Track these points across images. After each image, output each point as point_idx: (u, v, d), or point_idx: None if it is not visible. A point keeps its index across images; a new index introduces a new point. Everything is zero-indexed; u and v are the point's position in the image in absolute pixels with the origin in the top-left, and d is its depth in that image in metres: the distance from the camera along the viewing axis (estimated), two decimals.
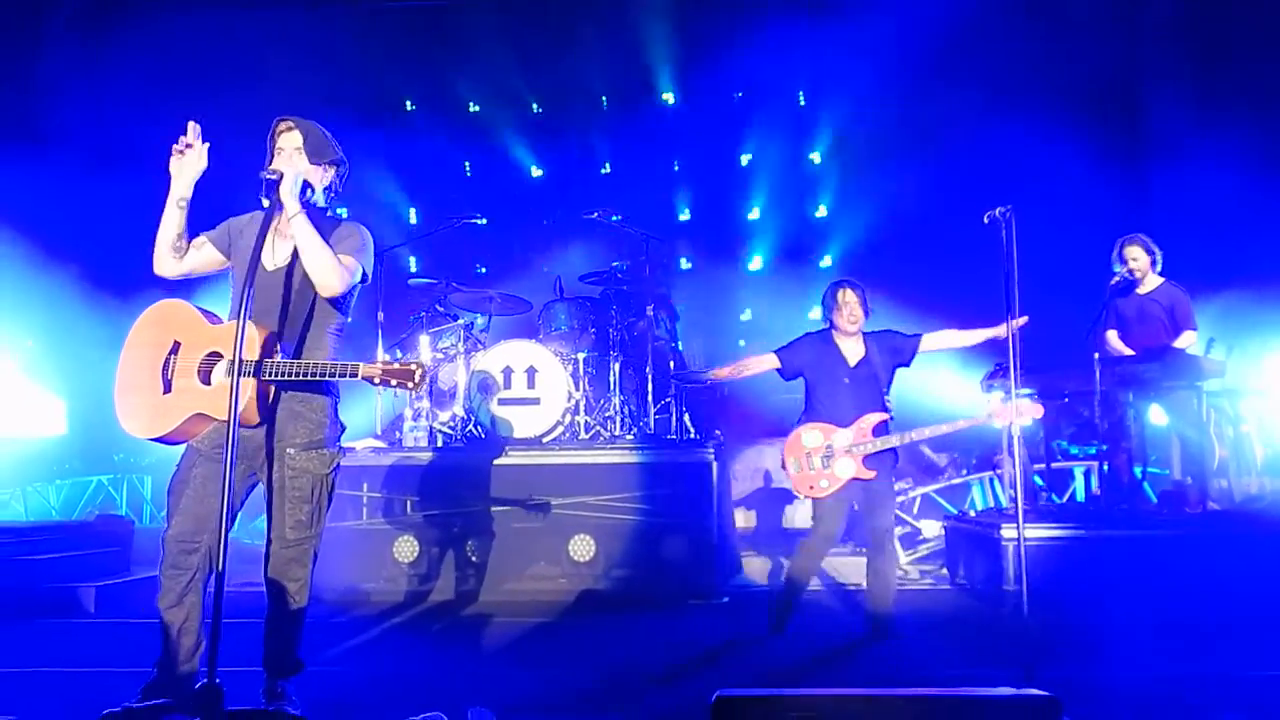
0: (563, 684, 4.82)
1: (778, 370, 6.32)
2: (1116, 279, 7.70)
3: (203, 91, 10.77)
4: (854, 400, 6.03)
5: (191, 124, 4.05)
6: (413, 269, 12.43)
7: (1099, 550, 6.72)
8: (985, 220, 5.05)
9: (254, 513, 8.41)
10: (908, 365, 6.23)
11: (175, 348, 3.99)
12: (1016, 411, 5.59)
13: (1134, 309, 7.74)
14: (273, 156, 4.16)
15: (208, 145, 4.05)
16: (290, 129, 4.19)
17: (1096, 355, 7.38)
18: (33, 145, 10.43)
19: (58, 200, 10.30)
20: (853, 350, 6.14)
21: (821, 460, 5.96)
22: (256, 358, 3.83)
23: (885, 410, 6.08)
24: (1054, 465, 8.86)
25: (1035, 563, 6.30)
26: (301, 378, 3.89)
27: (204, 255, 4.22)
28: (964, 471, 10.12)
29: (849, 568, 8.00)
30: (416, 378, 3.86)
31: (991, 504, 9.57)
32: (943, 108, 11.44)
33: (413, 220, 13.47)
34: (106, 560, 7.83)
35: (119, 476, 11.79)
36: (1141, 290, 7.71)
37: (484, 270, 13.41)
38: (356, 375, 3.89)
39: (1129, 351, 7.65)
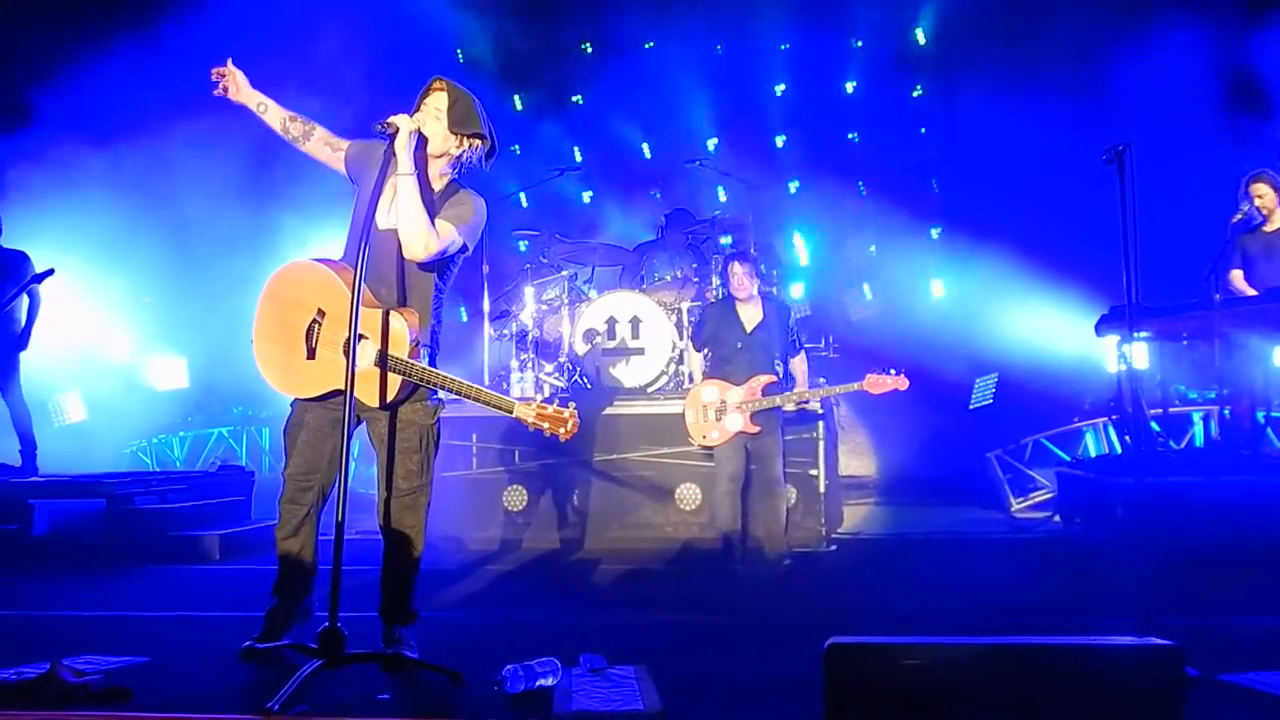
0: (673, 630, 4.86)
1: (699, 351, 7.32)
2: (1239, 216, 7.38)
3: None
4: (748, 362, 6.79)
5: (215, 68, 4.15)
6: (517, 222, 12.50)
7: (1219, 497, 6.50)
8: (1104, 159, 4.89)
9: (364, 461, 8.65)
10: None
11: (321, 315, 3.96)
12: (886, 383, 6.51)
13: (1260, 246, 7.42)
14: (416, 112, 4.03)
15: (230, 59, 4.09)
16: (440, 90, 4.06)
17: (1217, 296, 7.12)
18: (152, 116, 10.61)
19: (179, 160, 10.50)
20: (750, 316, 6.90)
21: (714, 414, 6.74)
22: (405, 355, 3.81)
23: (775, 373, 6.82)
24: (1171, 410, 8.60)
25: (1152, 510, 6.15)
26: (447, 390, 3.88)
27: (327, 155, 4.20)
28: (1076, 418, 9.91)
29: (947, 518, 7.96)
30: (570, 426, 3.86)
31: (1106, 450, 9.35)
32: (1056, 42, 11.06)
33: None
34: (229, 509, 8.13)
35: (238, 429, 12.21)
36: (1269, 228, 7.39)
37: (588, 197, 13.37)
38: (511, 412, 3.88)
39: (1253, 292, 7.36)
